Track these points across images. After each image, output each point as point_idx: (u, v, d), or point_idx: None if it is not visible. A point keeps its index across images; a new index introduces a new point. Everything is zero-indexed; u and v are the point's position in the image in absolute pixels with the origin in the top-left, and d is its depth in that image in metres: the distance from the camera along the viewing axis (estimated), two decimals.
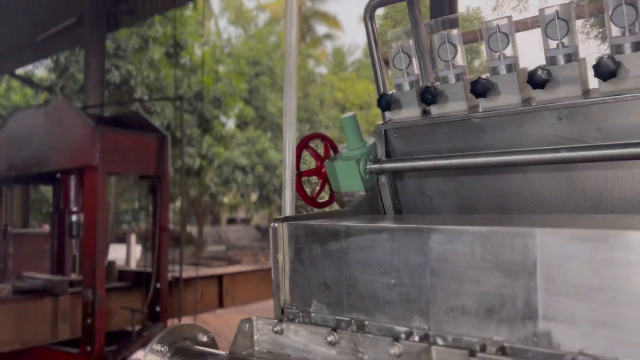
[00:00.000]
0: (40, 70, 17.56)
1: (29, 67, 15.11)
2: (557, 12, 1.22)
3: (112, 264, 4.75)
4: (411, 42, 1.53)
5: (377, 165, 1.52)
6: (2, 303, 3.73)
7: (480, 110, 1.40)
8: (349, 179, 1.54)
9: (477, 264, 0.96)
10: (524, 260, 0.90)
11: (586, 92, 1.26)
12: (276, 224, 1.25)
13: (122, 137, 3.91)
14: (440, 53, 1.43)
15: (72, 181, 4.18)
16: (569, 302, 0.86)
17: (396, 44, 1.54)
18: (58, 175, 4.42)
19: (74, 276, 4.56)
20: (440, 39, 1.42)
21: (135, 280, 4.71)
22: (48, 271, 4.96)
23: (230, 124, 21.66)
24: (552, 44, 1.25)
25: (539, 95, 1.29)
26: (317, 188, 1.63)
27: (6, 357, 3.93)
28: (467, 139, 1.46)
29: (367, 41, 1.63)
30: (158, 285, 4.34)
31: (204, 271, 8.41)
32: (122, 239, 15.65)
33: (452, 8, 3.24)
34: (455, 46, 1.42)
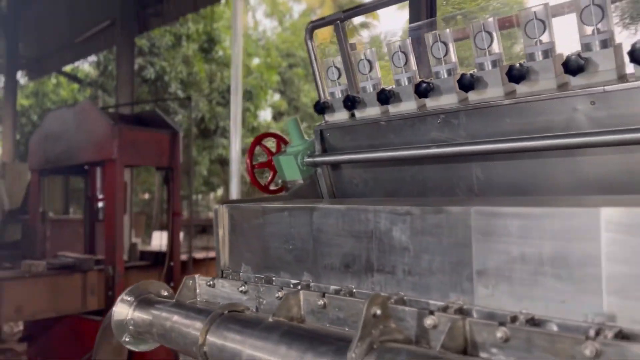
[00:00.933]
0: (86, 66, 18.50)
1: (76, 63, 15.94)
2: None
3: (134, 245, 5.28)
4: (339, 58, 1.86)
5: (311, 159, 1.86)
6: (38, 277, 4.30)
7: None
8: (290, 170, 1.89)
9: (339, 233, 1.30)
10: (365, 229, 1.24)
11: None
12: (217, 207, 1.62)
13: (137, 134, 4.39)
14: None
15: (98, 173, 4.69)
16: (393, 258, 1.19)
17: (328, 60, 1.87)
18: (86, 167, 4.94)
19: (101, 255, 5.12)
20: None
21: (155, 259, 5.23)
22: (82, 251, 5.53)
23: (267, 115, 22.13)
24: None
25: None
26: (269, 178, 1.99)
27: (44, 323, 4.50)
28: (398, 136, 1.78)
29: (308, 56, 1.97)
30: (172, 263, 4.83)
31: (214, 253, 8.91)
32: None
33: (432, 12, 3.55)
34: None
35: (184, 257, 5.45)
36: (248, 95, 16.96)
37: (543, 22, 1.30)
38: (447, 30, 1.57)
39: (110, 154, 4.26)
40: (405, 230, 1.17)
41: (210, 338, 1.23)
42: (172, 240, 4.83)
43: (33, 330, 4.97)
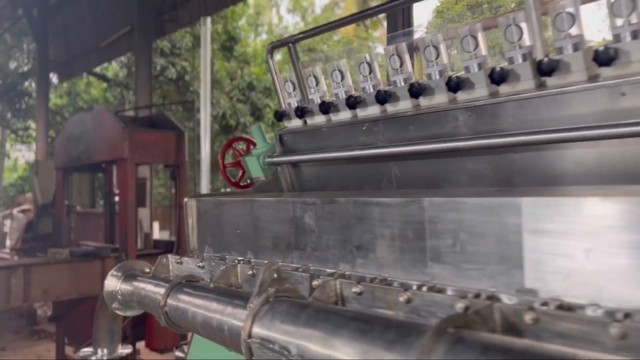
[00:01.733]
0: (115, 65, 19.19)
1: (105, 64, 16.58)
2: None
3: (147, 235, 5.75)
4: (293, 74, 2.19)
5: (271, 160, 2.21)
6: (61, 263, 4.79)
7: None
8: (255, 169, 2.24)
9: (270, 220, 1.64)
10: (287, 216, 1.58)
11: None
12: (186, 200, 1.98)
13: (146, 135, 4.81)
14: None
15: (114, 170, 5.13)
16: (305, 238, 1.53)
17: (284, 76, 2.21)
18: (103, 165, 5.40)
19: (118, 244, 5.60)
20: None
21: (166, 247, 5.68)
22: (102, 241, 6.02)
23: None
24: (618, 21, 1.23)
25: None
26: (239, 176, 2.34)
27: (69, 305, 4.98)
28: (358, 136, 2.11)
29: (270, 72, 2.30)
30: (179, 251, 5.27)
31: None
32: None
33: (409, 23, 3.86)
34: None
35: None
36: (267, 92, 17.36)
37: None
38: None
39: (122, 154, 4.69)
40: (312, 216, 1.50)
41: (170, 301, 1.60)
42: (179, 230, 5.28)
43: (61, 311, 5.47)
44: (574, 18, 1.28)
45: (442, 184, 1.78)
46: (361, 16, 2.41)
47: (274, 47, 2.28)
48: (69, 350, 5.15)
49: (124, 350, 2.19)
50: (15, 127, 26.28)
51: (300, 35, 2.19)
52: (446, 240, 1.17)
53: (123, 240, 4.96)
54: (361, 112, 1.93)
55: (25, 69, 20.03)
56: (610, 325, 0.78)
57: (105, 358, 2.13)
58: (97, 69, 17.30)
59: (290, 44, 2.17)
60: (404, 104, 1.78)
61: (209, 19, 1.91)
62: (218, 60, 14.60)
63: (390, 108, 1.82)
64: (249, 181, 2.31)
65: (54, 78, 12.32)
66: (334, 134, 2.05)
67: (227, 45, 16.32)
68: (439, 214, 1.17)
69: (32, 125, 22.47)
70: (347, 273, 1.38)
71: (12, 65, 23.26)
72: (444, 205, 1.16)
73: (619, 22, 1.22)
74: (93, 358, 2.12)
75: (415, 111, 1.73)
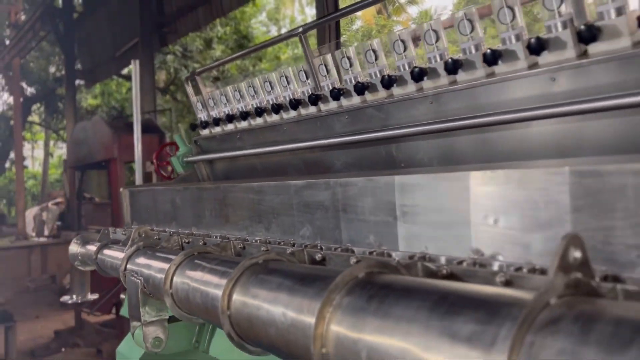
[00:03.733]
0: None
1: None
2: None
3: None
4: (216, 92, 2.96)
5: (186, 159, 3.00)
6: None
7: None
8: (177, 167, 3.04)
9: (180, 201, 2.44)
10: (191, 197, 2.37)
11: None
12: (122, 189, 2.80)
13: (132, 138, 5.66)
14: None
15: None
16: (202, 212, 2.32)
17: (199, 97, 2.99)
18: (103, 164, 6.34)
19: None
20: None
21: None
22: (109, 226, 6.98)
23: None
24: (550, 13, 1.28)
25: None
26: (169, 171, 3.15)
27: None
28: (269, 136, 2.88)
29: (189, 97, 3.09)
30: None
31: None
32: None
33: (337, 35, 4.56)
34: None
35: None
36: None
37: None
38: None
39: (112, 154, 5.60)
40: (200, 198, 2.29)
41: (99, 256, 2.42)
42: None
43: None
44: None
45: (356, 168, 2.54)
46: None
47: (194, 74, 3.06)
48: (84, 315, 6.14)
49: (92, 296, 3.05)
50: (57, 126, 27.89)
51: (199, 70, 2.96)
52: (320, 212, 1.94)
53: (117, 223, 5.88)
54: (259, 121, 2.69)
55: (60, 74, 21.33)
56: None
57: (78, 301, 2.99)
58: (125, 71, 18.48)
59: (189, 79, 2.96)
60: (311, 109, 2.55)
61: (137, 62, 2.49)
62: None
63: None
64: (177, 175, 3.12)
65: (81, 83, 13.42)
66: (228, 140, 2.83)
67: (241, 43, 17.15)
68: (302, 193, 1.94)
69: None
70: (240, 237, 2.17)
71: (51, 69, 24.71)
72: (306, 185, 1.92)
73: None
74: (70, 301, 2.98)
75: (317, 114, 2.50)
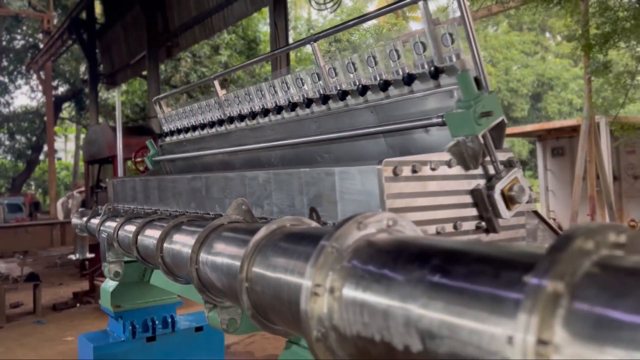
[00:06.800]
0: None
1: None
2: None
3: None
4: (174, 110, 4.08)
5: (154, 159, 4.12)
6: None
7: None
8: (148, 164, 4.16)
9: (150, 188, 3.57)
10: (157, 185, 3.50)
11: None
12: (108, 180, 3.94)
13: (130, 139, 6.83)
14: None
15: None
16: (163, 198, 3.44)
17: (166, 110, 4.11)
18: (110, 160, 7.55)
19: None
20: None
21: None
22: None
23: None
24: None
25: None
26: (144, 167, 4.28)
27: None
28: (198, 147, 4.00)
29: (157, 117, 4.20)
30: None
31: None
32: None
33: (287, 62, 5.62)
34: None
35: None
36: None
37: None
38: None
39: (114, 152, 6.78)
40: (160, 186, 3.41)
41: (92, 226, 3.56)
42: None
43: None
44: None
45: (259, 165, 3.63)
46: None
47: (160, 98, 4.18)
48: (96, 282, 7.37)
49: (90, 255, 4.21)
50: (86, 122, 29.58)
51: (162, 97, 4.08)
52: (222, 194, 3.05)
53: None
54: (202, 132, 3.79)
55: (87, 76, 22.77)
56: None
57: (80, 258, 4.15)
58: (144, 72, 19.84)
59: (155, 101, 4.07)
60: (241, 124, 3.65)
61: (118, 90, 3.40)
62: (236, 62, 16.64)
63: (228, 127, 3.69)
64: (148, 170, 4.24)
65: (100, 88, 14.80)
66: (179, 146, 3.94)
67: (249, 47, 18.26)
68: (222, 183, 3.05)
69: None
70: (191, 212, 3.28)
71: (82, 69, 26.25)
72: (219, 178, 3.04)
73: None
74: (74, 258, 4.15)
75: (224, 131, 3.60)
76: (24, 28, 23.95)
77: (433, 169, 1.70)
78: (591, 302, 0.75)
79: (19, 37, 24.35)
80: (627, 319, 0.70)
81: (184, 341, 3.60)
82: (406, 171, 1.64)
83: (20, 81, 25.78)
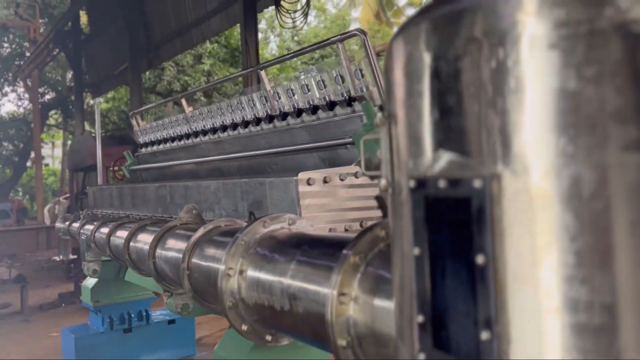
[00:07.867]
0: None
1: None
2: None
3: None
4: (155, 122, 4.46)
5: (130, 168, 4.50)
6: None
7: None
8: (126, 172, 4.53)
9: (126, 195, 3.94)
10: (130, 193, 3.87)
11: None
12: (88, 188, 4.31)
13: (111, 149, 7.18)
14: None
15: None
16: (139, 204, 3.82)
17: (142, 124, 4.49)
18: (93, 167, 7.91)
19: None
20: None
21: None
22: None
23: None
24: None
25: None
26: (122, 175, 4.65)
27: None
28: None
29: (134, 132, 4.57)
30: None
31: None
32: None
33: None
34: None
35: None
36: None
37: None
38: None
39: (95, 161, 7.14)
40: (133, 194, 3.79)
41: (78, 229, 3.93)
42: None
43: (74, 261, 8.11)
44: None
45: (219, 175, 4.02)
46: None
47: (136, 113, 4.55)
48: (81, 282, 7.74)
49: (73, 256, 4.56)
50: (72, 129, 29.66)
51: (137, 111, 4.46)
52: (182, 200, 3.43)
53: None
54: (172, 144, 4.17)
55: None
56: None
57: (64, 259, 4.51)
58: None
59: (132, 114, 4.45)
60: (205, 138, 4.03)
61: (97, 104, 3.74)
62: (220, 71, 17.01)
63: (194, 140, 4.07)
64: (126, 178, 4.62)
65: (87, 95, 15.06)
66: (153, 156, 4.32)
67: (232, 54, 18.59)
68: (183, 191, 3.43)
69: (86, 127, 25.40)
70: (157, 216, 3.65)
71: (68, 76, 26.38)
72: (180, 186, 3.42)
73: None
74: (57, 259, 4.50)
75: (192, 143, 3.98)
76: (11, 37, 24.08)
77: (342, 180, 2.10)
78: (375, 268, 1.17)
79: (5, 45, 24.48)
80: (389, 276, 1.11)
81: (157, 333, 3.97)
82: (318, 182, 2.04)
83: (7, 88, 25.86)
